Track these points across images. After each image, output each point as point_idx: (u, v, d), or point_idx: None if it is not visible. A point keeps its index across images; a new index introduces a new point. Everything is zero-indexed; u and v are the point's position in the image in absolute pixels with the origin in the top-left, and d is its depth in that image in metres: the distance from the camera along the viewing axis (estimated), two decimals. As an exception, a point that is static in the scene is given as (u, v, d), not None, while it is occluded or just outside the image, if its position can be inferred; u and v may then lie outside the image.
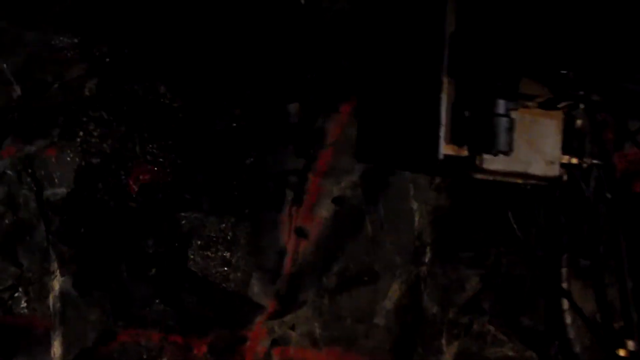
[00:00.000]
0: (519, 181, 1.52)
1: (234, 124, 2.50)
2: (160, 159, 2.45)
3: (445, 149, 1.29)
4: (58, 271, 2.41)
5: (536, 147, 1.43)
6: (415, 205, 2.65)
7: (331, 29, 2.55)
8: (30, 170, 2.42)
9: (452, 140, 1.30)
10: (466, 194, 2.67)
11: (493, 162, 1.32)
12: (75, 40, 2.44)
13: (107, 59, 2.44)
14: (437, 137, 1.28)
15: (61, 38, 2.44)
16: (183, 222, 2.47)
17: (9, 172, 2.38)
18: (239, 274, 2.51)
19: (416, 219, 2.66)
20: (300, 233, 2.56)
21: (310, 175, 2.63)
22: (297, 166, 2.63)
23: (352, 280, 2.64)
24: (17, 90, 2.41)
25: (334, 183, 2.59)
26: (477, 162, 1.31)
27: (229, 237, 2.53)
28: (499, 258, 2.62)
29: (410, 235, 2.65)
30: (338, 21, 2.55)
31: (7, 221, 2.39)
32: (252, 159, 2.50)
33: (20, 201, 2.41)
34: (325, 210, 2.59)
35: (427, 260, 2.67)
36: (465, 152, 1.32)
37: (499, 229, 2.53)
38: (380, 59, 1.58)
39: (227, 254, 2.49)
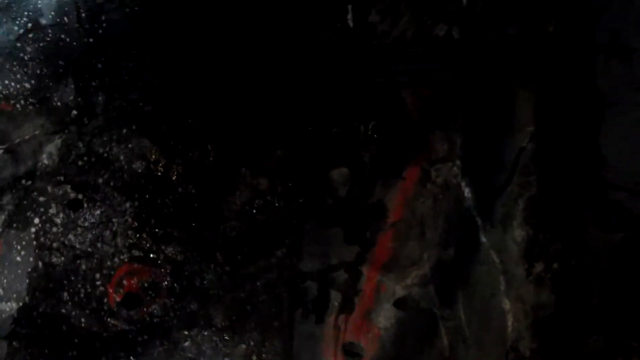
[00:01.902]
0: None
1: (258, 201, 2.00)
2: (152, 255, 1.93)
3: None
4: (4, 422, 1.88)
5: None
6: (507, 305, 2.25)
7: (391, 59, 2.04)
8: (-38, 277, 1.90)
9: None
10: (578, 284, 2.21)
11: None
12: (28, 85, 1.91)
13: (74, 111, 1.93)
14: None
15: (7, 81, 1.91)
16: (186, 344, 1.96)
17: None
18: (266, 415, 2.00)
19: (509, 322, 2.26)
20: (351, 352, 2.22)
21: (364, 270, 2.26)
22: (346, 257, 2.25)
23: (424, 414, 2.16)
24: (-56, 159, 1.92)
25: (396, 279, 2.24)
26: None
27: (251, 362, 2.02)
28: (632, 369, 2.17)
29: (502, 347, 2.23)
30: (400, 49, 2.08)
31: None
32: (283, 250, 2.01)
33: (-51, 322, 1.89)
34: (384, 318, 2.25)
35: (524, 378, 2.21)
36: None
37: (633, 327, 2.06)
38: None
39: (250, 387, 1.99)
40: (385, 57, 2.20)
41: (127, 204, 2.05)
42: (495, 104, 2.27)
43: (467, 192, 2.27)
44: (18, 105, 2.03)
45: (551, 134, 2.27)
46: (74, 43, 2.06)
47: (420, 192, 2.22)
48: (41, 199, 2.02)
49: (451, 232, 2.27)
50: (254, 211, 2.10)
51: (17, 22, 2.04)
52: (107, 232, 2.04)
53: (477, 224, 2.25)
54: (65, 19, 2.06)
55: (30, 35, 2.05)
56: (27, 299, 2.00)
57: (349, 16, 2.19)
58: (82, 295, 2.01)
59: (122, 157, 2.05)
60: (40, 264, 2.02)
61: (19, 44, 2.04)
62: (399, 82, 2.22)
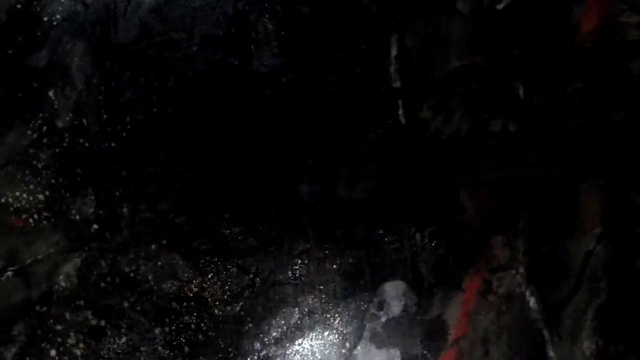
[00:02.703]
0: None
1: (304, 321, 1.83)
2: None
3: None
4: None
5: None
6: None
7: (448, 157, 2.06)
8: None
9: None
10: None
11: None
12: (42, 196, 1.73)
13: (95, 226, 1.78)
14: None
15: (19, 193, 1.71)
16: None
17: None
18: None
19: None
20: None
21: (425, 393, 2.00)
22: (405, 379, 2.14)
23: None
24: (-55, 284, 1.77)
25: (460, 402, 1.99)
26: None
27: None
28: None
29: None
30: (457, 145, 1.99)
31: None
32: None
33: None
34: None
35: None
36: None
37: None
38: None
39: None
40: (441, 155, 2.05)
41: (157, 330, 1.92)
42: (559, 204, 2.13)
43: (532, 302, 2.14)
44: (30, 220, 1.88)
45: (621, 236, 2.14)
46: (94, 148, 1.90)
47: (482, 305, 2.07)
48: (58, 327, 1.93)
49: (516, 348, 2.13)
50: (300, 333, 1.92)
51: (30, 125, 1.86)
52: (134, 363, 1.86)
53: (544, 337, 2.12)
54: (85, 121, 1.90)
55: (45, 140, 1.87)
56: None
57: (400, 112, 2.05)
58: None
59: (150, 277, 1.95)
60: (58, 406, 1.82)
61: (32, 150, 1.89)
62: (457, 183, 2.08)
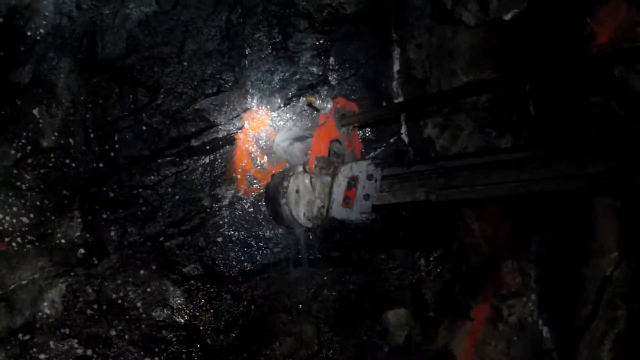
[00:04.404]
0: None
1: (302, 352, 1.85)
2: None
3: None
4: None
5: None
6: None
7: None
8: None
9: None
10: None
11: None
12: (26, 219, 1.92)
13: (81, 250, 2.06)
14: None
15: (1, 215, 1.79)
16: None
17: None
18: None
19: None
20: None
21: None
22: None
23: None
24: None
25: None
26: None
27: None
28: None
29: None
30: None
31: None
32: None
33: None
34: None
35: None
36: None
37: None
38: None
39: None
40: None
41: (146, 361, 1.89)
42: (573, 227, 2.10)
43: (545, 331, 2.11)
44: (14, 244, 1.92)
45: None
46: (81, 169, 1.95)
47: (492, 334, 2.05)
48: (42, 356, 2.00)
49: (528, 381, 2.09)
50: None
51: (14, 145, 1.86)
52: None
53: (558, 369, 2.08)
54: (71, 140, 1.93)
55: (30, 160, 1.87)
56: None
57: (403, 129, 2.02)
58: None
59: (139, 304, 2.04)
60: None
61: (15, 171, 1.89)
62: (462, 201, 2.04)
